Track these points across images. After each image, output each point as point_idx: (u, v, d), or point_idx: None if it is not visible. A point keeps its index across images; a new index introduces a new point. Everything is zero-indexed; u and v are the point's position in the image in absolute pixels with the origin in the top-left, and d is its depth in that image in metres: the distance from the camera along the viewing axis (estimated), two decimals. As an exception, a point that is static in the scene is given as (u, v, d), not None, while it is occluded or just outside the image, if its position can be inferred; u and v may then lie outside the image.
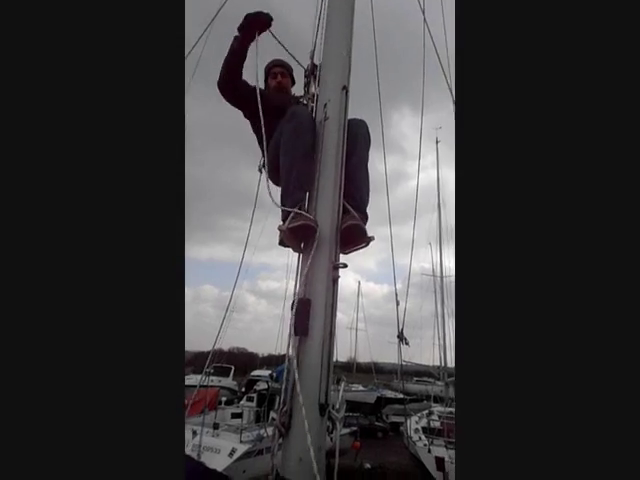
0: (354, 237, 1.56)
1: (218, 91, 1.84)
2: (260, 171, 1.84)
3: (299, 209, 1.49)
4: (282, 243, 1.59)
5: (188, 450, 5.92)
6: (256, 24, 1.75)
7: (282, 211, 1.56)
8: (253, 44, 1.76)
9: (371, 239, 1.58)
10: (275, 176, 1.70)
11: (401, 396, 18.83)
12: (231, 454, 7.08)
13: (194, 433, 7.47)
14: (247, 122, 1.97)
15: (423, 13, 2.45)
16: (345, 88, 1.65)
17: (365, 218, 1.62)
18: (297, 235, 1.49)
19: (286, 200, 1.56)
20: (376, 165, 1.81)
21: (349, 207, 1.56)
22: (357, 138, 1.68)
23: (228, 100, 1.89)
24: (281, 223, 1.52)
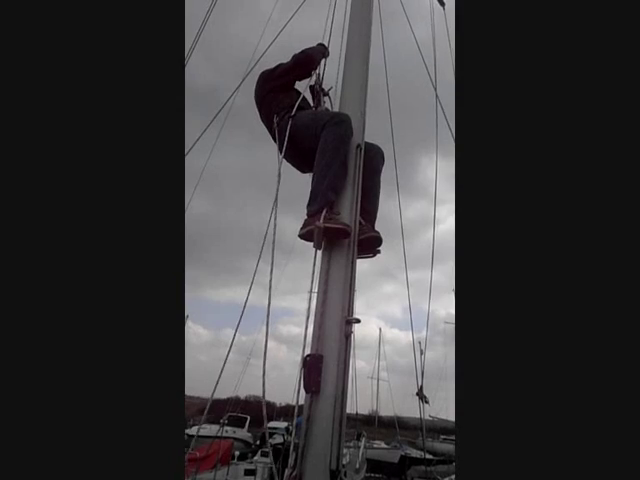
0: (369, 247, 1.69)
1: (293, 65, 2.00)
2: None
3: (330, 209, 1.58)
4: (304, 237, 1.61)
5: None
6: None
7: (310, 205, 1.63)
8: None
9: (379, 252, 1.74)
10: (294, 158, 1.86)
11: (428, 456, 17.39)
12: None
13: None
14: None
15: (435, 90, 2.58)
16: (359, 146, 1.71)
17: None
18: (328, 235, 1.54)
19: (317, 196, 1.62)
20: (404, 210, 1.95)
21: (363, 221, 1.65)
22: (372, 160, 1.79)
23: (293, 77, 2.03)
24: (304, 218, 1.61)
